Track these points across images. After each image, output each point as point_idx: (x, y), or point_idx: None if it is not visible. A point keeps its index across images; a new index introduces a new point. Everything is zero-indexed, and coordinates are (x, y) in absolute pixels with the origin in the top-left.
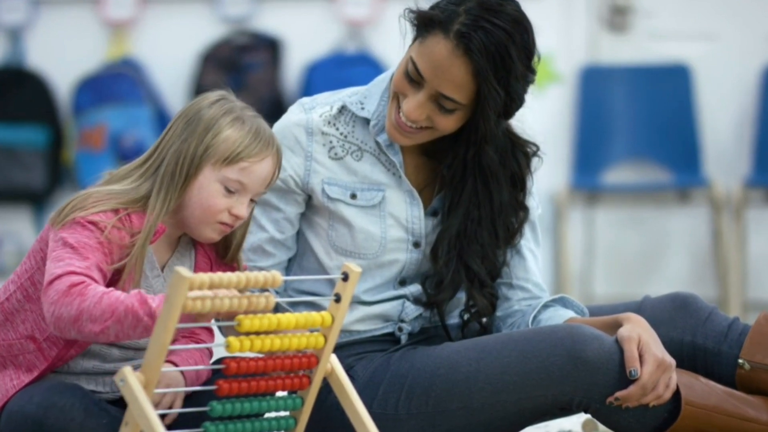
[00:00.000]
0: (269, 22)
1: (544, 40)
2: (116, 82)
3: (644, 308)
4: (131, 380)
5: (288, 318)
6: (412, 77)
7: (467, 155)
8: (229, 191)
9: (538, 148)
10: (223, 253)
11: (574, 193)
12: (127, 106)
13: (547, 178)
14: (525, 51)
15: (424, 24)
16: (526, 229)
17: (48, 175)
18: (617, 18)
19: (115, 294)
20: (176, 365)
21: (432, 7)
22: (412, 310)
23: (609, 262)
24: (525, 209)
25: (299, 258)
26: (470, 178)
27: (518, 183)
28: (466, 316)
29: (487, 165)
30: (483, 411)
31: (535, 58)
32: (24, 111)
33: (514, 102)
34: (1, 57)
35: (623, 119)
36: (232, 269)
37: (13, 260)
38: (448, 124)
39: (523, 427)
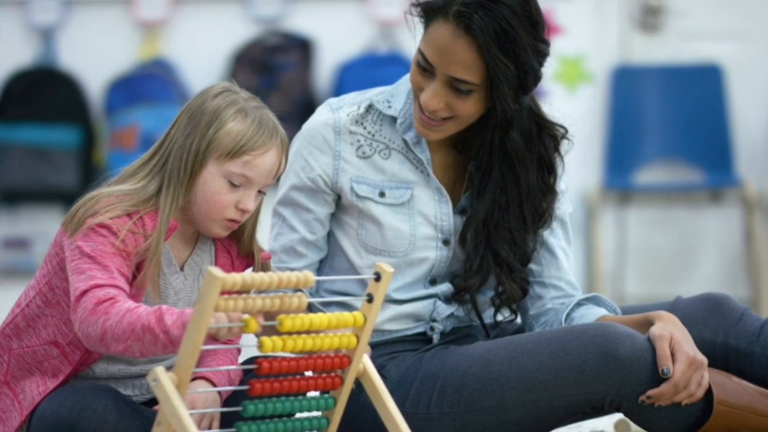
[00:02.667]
0: (301, 22)
1: (576, 40)
2: (148, 82)
3: (676, 309)
4: (164, 380)
5: (321, 318)
6: (424, 67)
7: (493, 140)
8: (234, 185)
9: (566, 131)
10: (238, 245)
11: (606, 193)
12: (158, 106)
13: (580, 178)
14: (529, 21)
15: (426, 14)
16: (557, 228)
17: (80, 175)
18: (649, 18)
19: (137, 311)
20: (212, 383)
21: None
22: (443, 309)
23: (641, 262)
24: (553, 192)
25: (330, 258)
26: (496, 164)
27: (545, 166)
28: (496, 302)
29: (513, 149)
30: (515, 409)
31: (544, 27)
32: (56, 111)
33: (528, 74)
34: (34, 57)
35: (655, 119)
36: (253, 261)
37: None
38: (467, 108)
39: (556, 426)
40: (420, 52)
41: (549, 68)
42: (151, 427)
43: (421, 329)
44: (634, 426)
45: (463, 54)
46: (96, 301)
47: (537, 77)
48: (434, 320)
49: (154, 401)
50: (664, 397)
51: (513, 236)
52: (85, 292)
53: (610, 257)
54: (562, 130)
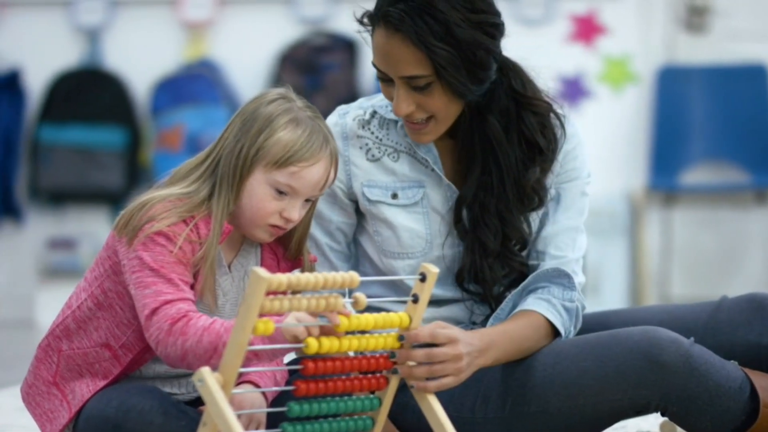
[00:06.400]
0: (346, 22)
1: (622, 41)
2: (193, 83)
3: (721, 310)
4: (209, 381)
5: (367, 318)
6: (382, 78)
7: (472, 124)
8: (281, 193)
9: (550, 105)
10: (285, 250)
11: (651, 194)
12: (204, 107)
13: (624, 179)
14: None
15: (367, 26)
16: (569, 201)
17: (125, 175)
18: (695, 18)
19: (214, 329)
20: (257, 385)
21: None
22: (482, 311)
23: (686, 262)
24: (535, 169)
25: (359, 266)
26: (478, 146)
27: (525, 143)
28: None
29: (490, 131)
30: (560, 415)
31: None
32: (102, 112)
33: (477, 50)
34: (80, 58)
35: (701, 120)
36: (299, 264)
37: (91, 261)
38: (436, 102)
39: (601, 429)
40: (373, 64)
41: (594, 69)
42: (197, 427)
43: None
44: (679, 429)
45: (401, 52)
46: (170, 321)
47: (488, 50)
48: (474, 323)
49: (199, 400)
50: (414, 339)
51: (502, 220)
52: (155, 310)
53: (656, 258)
54: (545, 105)
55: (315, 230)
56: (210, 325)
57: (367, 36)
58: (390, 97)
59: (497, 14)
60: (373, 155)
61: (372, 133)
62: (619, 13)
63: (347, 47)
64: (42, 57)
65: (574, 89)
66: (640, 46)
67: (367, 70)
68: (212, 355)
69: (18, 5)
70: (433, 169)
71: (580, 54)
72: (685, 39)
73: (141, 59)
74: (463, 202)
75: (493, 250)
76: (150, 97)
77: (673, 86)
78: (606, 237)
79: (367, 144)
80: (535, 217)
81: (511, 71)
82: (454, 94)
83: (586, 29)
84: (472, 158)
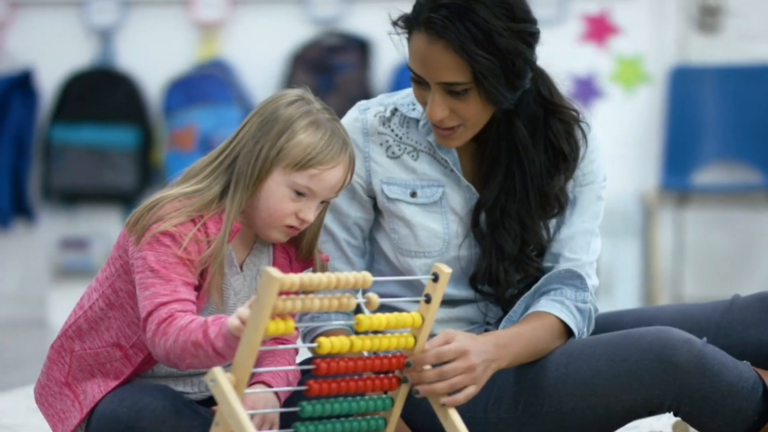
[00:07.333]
0: (359, 22)
1: (635, 41)
2: (206, 83)
3: (734, 309)
4: (222, 380)
5: (379, 318)
6: (418, 80)
7: (499, 129)
8: (299, 194)
9: (578, 113)
10: (297, 250)
11: (664, 194)
12: (216, 107)
13: (637, 179)
14: (500, 6)
15: (404, 29)
16: (584, 204)
17: (138, 175)
18: (708, 19)
19: (189, 328)
20: (269, 385)
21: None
22: (496, 312)
23: (699, 263)
24: (560, 177)
25: (374, 263)
26: (503, 151)
27: (551, 150)
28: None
29: (517, 136)
30: (573, 415)
31: (522, 6)
32: (114, 112)
33: (516, 60)
34: (92, 58)
35: (713, 120)
36: (311, 264)
37: (103, 261)
38: (470, 108)
39: (614, 429)
40: (409, 67)
41: (606, 69)
42: (209, 427)
43: (476, 333)
44: (692, 429)
45: (443, 58)
46: (158, 322)
47: (527, 60)
48: (488, 323)
49: (211, 399)
50: (420, 362)
51: (522, 225)
52: (150, 313)
53: (668, 258)
54: (573, 113)
55: (332, 225)
56: (187, 324)
57: (395, 37)
58: (423, 101)
59: (535, 22)
60: (393, 153)
61: (392, 130)
62: (631, 13)
63: (360, 47)
64: (54, 57)
65: (587, 89)
66: (653, 46)
67: (380, 70)
68: (186, 354)
69: (31, 5)
70: (452, 170)
71: (593, 54)
72: (697, 39)
73: (153, 59)
74: (483, 206)
75: (510, 255)
76: (162, 97)
77: (686, 86)
78: (618, 237)
79: (387, 141)
80: (553, 223)
81: (540, 78)
82: (490, 102)
83: (599, 29)
84: (496, 162)
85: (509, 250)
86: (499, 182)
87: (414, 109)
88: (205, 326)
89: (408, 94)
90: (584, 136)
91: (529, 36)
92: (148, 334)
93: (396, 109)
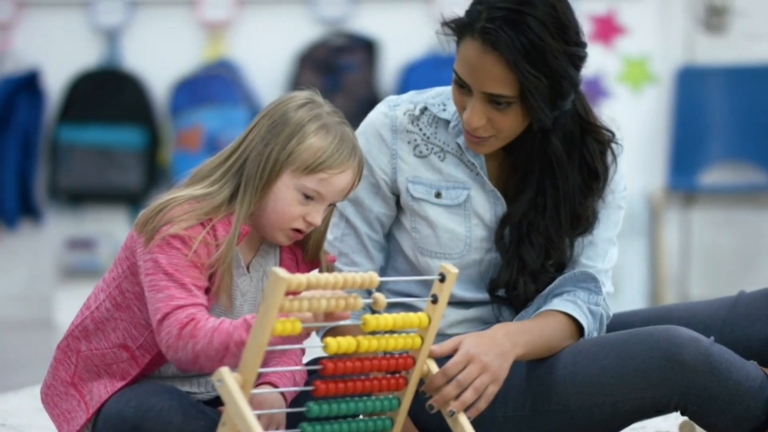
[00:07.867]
0: (365, 23)
1: (641, 41)
2: (212, 83)
3: (739, 304)
4: (228, 381)
5: (386, 319)
6: (461, 85)
7: (533, 145)
8: (307, 197)
9: (613, 135)
10: (304, 252)
11: (670, 194)
12: (223, 107)
13: (643, 179)
14: (558, 27)
15: (455, 32)
16: (605, 213)
17: (144, 175)
18: (714, 19)
19: (223, 329)
20: (276, 386)
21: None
22: (509, 314)
23: (705, 263)
24: (593, 196)
25: (392, 260)
26: (537, 166)
27: (587, 170)
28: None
29: (552, 153)
30: (580, 413)
31: (577, 30)
32: (121, 112)
33: (564, 81)
34: (99, 58)
35: (720, 120)
36: (317, 266)
37: (109, 261)
38: (508, 121)
39: (621, 428)
40: (455, 71)
41: (613, 69)
42: (216, 427)
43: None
44: (699, 429)
45: (493, 70)
46: (180, 326)
47: (573, 82)
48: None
49: (218, 399)
50: (433, 386)
51: (549, 241)
52: (167, 315)
53: (675, 258)
54: (608, 134)
55: (355, 219)
56: (219, 326)
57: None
58: (462, 106)
59: (585, 46)
60: (420, 152)
61: (421, 129)
62: (638, 14)
63: (366, 48)
64: (61, 57)
65: (594, 89)
66: (659, 46)
67: (386, 71)
68: (224, 355)
69: (37, 5)
70: (478, 173)
71: (600, 54)
72: (704, 39)
73: (160, 59)
74: (510, 219)
75: (532, 269)
76: (169, 97)
77: (692, 86)
78: (625, 237)
79: (415, 140)
80: (579, 241)
81: (577, 98)
82: (530, 118)
83: (606, 29)
84: (527, 177)
85: (532, 264)
86: (529, 197)
87: (444, 110)
88: (246, 325)
89: (438, 93)
90: (614, 158)
91: (579, 59)
92: (165, 338)
93: (426, 108)
